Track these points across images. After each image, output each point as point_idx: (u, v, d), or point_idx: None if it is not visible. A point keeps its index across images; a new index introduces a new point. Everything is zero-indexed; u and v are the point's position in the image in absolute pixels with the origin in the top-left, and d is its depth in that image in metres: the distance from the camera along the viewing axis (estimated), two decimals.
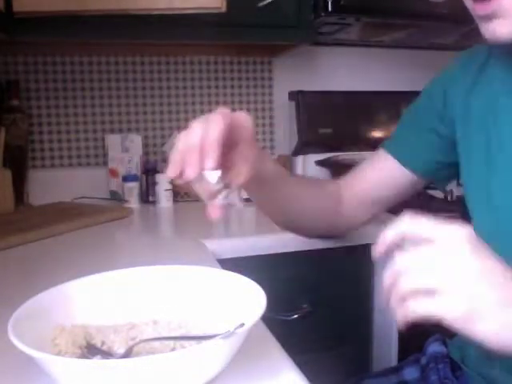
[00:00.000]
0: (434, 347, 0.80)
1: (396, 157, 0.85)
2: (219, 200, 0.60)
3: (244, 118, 0.63)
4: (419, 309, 0.43)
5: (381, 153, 0.87)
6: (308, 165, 1.59)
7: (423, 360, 0.81)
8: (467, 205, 0.74)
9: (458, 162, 0.77)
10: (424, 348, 0.82)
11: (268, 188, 0.79)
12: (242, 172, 0.62)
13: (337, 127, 1.61)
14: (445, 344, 0.81)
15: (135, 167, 1.45)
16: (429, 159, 0.82)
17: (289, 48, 1.51)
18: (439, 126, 0.79)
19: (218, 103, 1.61)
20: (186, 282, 0.58)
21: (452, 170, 0.82)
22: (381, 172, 0.87)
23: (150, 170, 1.45)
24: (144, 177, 1.44)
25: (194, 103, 1.59)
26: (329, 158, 1.53)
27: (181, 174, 0.57)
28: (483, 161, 0.69)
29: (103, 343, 0.51)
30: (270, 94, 1.66)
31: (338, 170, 1.50)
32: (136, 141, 1.47)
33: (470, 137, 0.72)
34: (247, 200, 1.42)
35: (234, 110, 0.63)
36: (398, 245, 0.46)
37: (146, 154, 1.53)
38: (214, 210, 0.60)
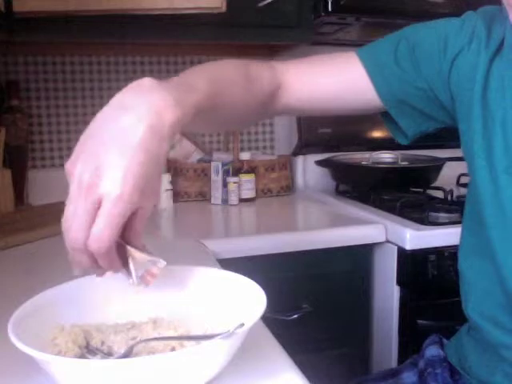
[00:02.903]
0: (432, 351, 0.80)
1: (369, 71, 0.74)
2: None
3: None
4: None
5: (352, 59, 0.75)
6: (308, 165, 1.59)
7: (421, 364, 0.80)
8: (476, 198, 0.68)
9: (430, 116, 0.74)
10: (422, 350, 0.82)
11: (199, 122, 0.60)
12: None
13: (337, 127, 1.61)
14: (442, 346, 0.81)
15: None
16: (400, 96, 0.74)
17: (289, 48, 1.51)
18: (435, 83, 0.71)
19: None
20: (186, 282, 0.58)
21: (420, 123, 0.75)
22: (341, 81, 0.75)
23: None
24: None
25: None
26: (329, 158, 1.53)
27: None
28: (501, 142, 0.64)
29: (103, 343, 0.51)
30: None
31: (338, 169, 1.51)
32: None
33: (488, 109, 0.66)
34: (246, 200, 1.43)
35: None
36: None
37: None
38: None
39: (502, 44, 0.66)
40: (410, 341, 1.10)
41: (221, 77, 0.61)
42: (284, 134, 1.68)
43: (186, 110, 0.49)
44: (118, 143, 0.44)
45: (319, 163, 1.53)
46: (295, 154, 1.63)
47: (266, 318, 0.52)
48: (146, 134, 0.45)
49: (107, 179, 0.43)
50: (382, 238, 1.14)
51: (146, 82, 0.49)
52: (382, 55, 0.74)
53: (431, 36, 0.72)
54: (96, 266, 0.46)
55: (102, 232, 0.43)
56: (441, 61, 0.70)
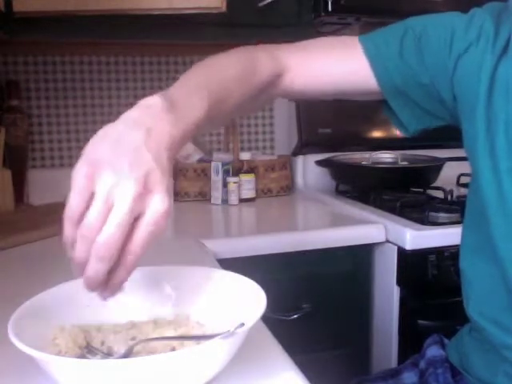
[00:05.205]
0: (433, 351, 0.80)
1: (371, 62, 0.73)
2: None
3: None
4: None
5: (354, 46, 0.74)
6: (308, 165, 1.59)
7: (422, 364, 0.80)
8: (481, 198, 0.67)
9: (432, 112, 0.73)
10: (422, 350, 0.82)
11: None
12: None
13: (337, 127, 1.61)
14: (443, 346, 0.81)
15: None
16: (402, 90, 0.73)
17: None
18: (437, 79, 0.70)
19: None
20: (186, 282, 0.58)
21: (421, 118, 0.75)
22: (342, 68, 0.75)
23: None
24: None
25: None
26: (329, 158, 1.53)
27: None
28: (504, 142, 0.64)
29: (103, 343, 0.51)
30: None
31: (338, 169, 1.51)
32: None
33: (492, 110, 0.65)
34: (246, 200, 1.43)
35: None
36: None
37: None
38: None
39: (508, 42, 0.65)
40: (410, 341, 1.10)
41: (222, 80, 0.62)
42: (284, 134, 1.68)
43: (189, 127, 0.51)
44: (137, 157, 0.45)
45: (319, 163, 1.53)
46: (295, 154, 1.63)
47: (266, 318, 0.52)
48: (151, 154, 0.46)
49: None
50: (381, 238, 1.14)
51: (153, 102, 0.51)
52: (386, 46, 0.73)
53: (438, 30, 0.70)
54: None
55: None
56: (446, 57, 0.69)
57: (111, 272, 0.45)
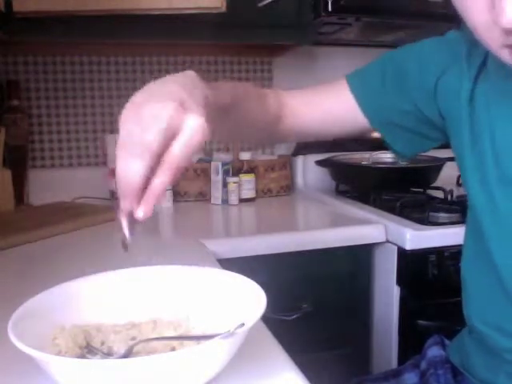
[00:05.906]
0: (433, 351, 0.80)
1: (356, 96, 0.78)
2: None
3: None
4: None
5: (342, 84, 0.80)
6: (308, 165, 1.59)
7: (423, 364, 0.80)
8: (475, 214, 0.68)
9: (424, 135, 0.77)
10: (423, 351, 0.82)
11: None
12: None
13: None
14: (444, 347, 0.81)
15: None
16: (389, 119, 0.78)
17: (289, 48, 1.50)
18: (421, 102, 0.74)
19: None
20: (186, 282, 0.58)
21: (415, 143, 0.79)
22: (333, 106, 0.80)
23: None
24: None
25: None
26: (329, 158, 1.53)
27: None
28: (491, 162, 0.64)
29: (103, 343, 0.51)
30: None
31: (338, 169, 1.51)
32: None
33: (476, 124, 0.66)
34: (246, 200, 1.43)
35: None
36: None
37: None
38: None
39: (485, 61, 0.66)
40: (410, 341, 1.10)
41: (240, 88, 0.71)
42: None
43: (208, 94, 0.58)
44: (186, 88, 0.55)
45: (319, 163, 1.53)
46: (295, 154, 1.63)
47: (266, 318, 0.52)
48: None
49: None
50: (382, 238, 1.14)
51: (192, 74, 0.61)
52: (370, 81, 0.78)
53: (414, 59, 0.75)
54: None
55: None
56: (424, 83, 0.73)
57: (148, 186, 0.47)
